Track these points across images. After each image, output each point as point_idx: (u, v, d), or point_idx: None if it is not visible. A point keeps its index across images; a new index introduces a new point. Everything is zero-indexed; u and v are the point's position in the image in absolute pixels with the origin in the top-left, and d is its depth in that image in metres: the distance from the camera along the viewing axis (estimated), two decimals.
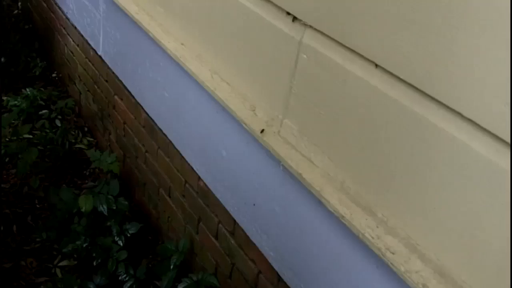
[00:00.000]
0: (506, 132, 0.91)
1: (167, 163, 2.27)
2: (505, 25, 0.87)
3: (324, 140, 1.33)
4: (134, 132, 2.59)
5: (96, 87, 3.00)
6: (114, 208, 2.38)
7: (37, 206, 2.74)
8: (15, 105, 3.08)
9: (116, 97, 2.72)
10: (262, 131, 1.47)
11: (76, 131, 3.22)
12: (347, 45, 1.20)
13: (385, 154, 1.17)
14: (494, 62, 0.91)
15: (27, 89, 3.19)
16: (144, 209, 2.71)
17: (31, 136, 2.95)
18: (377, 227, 1.21)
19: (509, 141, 0.91)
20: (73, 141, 3.09)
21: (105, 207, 2.36)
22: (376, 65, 1.15)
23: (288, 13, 1.36)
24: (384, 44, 1.11)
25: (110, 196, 2.42)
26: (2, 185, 2.73)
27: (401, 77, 1.08)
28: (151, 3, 2.11)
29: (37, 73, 3.63)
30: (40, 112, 3.13)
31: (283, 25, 1.39)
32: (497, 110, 0.92)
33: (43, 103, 3.20)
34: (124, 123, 2.69)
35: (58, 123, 3.08)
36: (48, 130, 2.99)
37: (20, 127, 2.91)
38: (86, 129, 3.30)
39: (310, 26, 1.30)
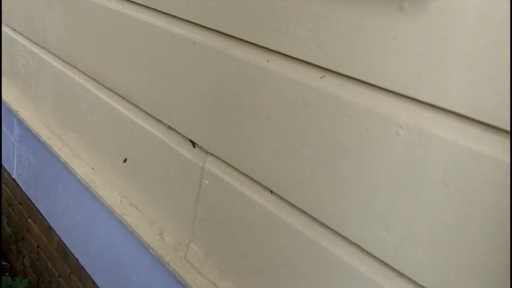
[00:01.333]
0: (390, 256, 0.96)
1: None
2: (382, 156, 0.94)
3: (228, 264, 1.34)
4: (48, 256, 2.52)
5: (10, 209, 2.93)
6: None
7: None
8: None
9: (29, 220, 2.66)
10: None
11: None
12: (244, 172, 1.25)
13: (285, 278, 1.19)
14: (373, 191, 0.97)
15: None
16: None
17: None
18: None
19: (393, 264, 0.96)
20: None
21: None
22: (271, 191, 1.19)
23: (191, 141, 1.41)
24: (277, 173, 1.16)
25: None
26: None
27: (293, 203, 1.13)
28: (63, 128, 2.13)
29: None
30: None
31: (187, 152, 1.43)
32: (377, 235, 0.97)
33: None
34: (38, 246, 2.62)
35: None
36: None
37: None
38: None
39: (211, 153, 1.35)
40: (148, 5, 1.50)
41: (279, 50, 1.12)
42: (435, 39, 0.85)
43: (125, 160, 1.71)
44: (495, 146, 0.81)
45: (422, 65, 0.87)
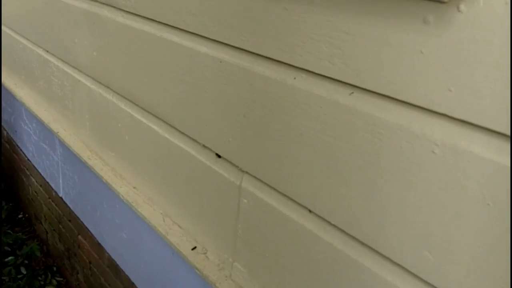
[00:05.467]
0: (433, 277, 0.92)
1: None
2: (419, 175, 0.91)
3: (272, 283, 1.33)
4: (100, 272, 2.55)
5: (61, 226, 2.99)
6: None
7: None
8: None
9: (80, 236, 2.71)
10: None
11: (44, 273, 3.16)
12: (281, 190, 1.23)
13: None
14: (412, 210, 0.93)
15: None
16: None
17: None
18: None
19: (437, 285, 0.92)
20: (42, 283, 3.04)
21: None
22: (310, 211, 1.17)
23: (227, 160, 1.39)
24: (313, 191, 1.14)
25: None
26: None
27: (332, 222, 1.11)
28: (103, 147, 2.15)
29: (3, 215, 3.61)
30: (6, 259, 3.09)
31: (223, 170, 1.42)
32: (420, 255, 0.93)
33: (9, 249, 3.17)
34: (90, 262, 2.66)
35: (23, 270, 3.03)
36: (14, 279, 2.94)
37: None
38: (55, 268, 3.25)
39: (247, 172, 1.33)
40: (172, 25, 1.48)
41: (305, 67, 1.09)
42: (463, 53, 0.81)
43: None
44: None
45: (452, 80, 0.83)
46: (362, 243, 1.05)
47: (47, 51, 2.53)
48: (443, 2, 0.81)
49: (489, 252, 0.83)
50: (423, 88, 0.87)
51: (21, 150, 3.37)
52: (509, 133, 0.78)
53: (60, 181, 2.73)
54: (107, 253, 2.36)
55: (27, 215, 3.65)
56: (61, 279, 3.16)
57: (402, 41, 0.89)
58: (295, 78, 1.13)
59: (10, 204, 3.71)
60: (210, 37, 1.35)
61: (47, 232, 3.29)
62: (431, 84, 0.86)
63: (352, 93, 1.01)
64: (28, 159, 3.25)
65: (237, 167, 1.36)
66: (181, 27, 1.45)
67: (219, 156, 1.43)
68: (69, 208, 2.73)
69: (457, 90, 0.82)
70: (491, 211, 0.82)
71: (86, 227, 2.56)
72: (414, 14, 0.86)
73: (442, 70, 0.84)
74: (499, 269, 0.83)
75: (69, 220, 2.80)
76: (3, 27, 3.14)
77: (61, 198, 2.79)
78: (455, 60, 0.82)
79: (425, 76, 0.86)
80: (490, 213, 0.82)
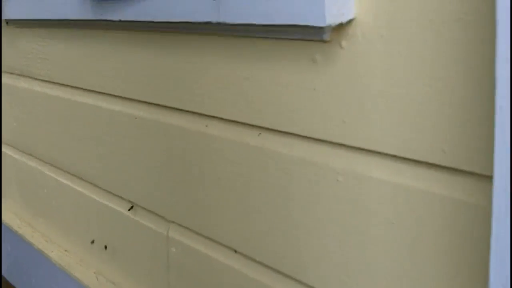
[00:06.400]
0: None
1: None
2: (328, 204, 0.96)
3: None
4: None
5: None
6: None
7: None
8: None
9: None
10: None
11: None
12: (206, 235, 1.26)
13: None
14: (328, 238, 0.98)
15: None
16: None
17: None
18: None
19: None
20: None
21: None
22: (235, 251, 1.20)
23: (152, 212, 1.42)
24: (236, 231, 1.17)
25: None
26: None
27: (257, 259, 1.14)
28: (33, 215, 2.13)
29: None
30: None
31: (151, 222, 1.44)
32: (339, 280, 0.98)
33: None
34: None
35: None
36: None
37: None
38: None
39: (173, 221, 1.36)
40: (86, 88, 1.52)
41: (215, 115, 1.14)
42: (350, 86, 0.87)
43: (92, 241, 1.72)
44: (430, 180, 0.83)
45: (345, 112, 0.89)
46: (287, 275, 1.09)
47: None
48: (326, 41, 0.88)
49: (399, 265, 0.89)
50: (320, 122, 0.93)
51: None
52: (403, 155, 0.84)
53: None
54: None
55: None
56: None
57: (296, 80, 0.95)
58: (207, 125, 1.17)
59: None
60: (123, 96, 1.39)
61: None
62: (327, 117, 0.92)
63: (260, 134, 1.06)
64: None
65: (163, 217, 1.39)
66: (95, 89, 1.49)
67: (145, 210, 1.45)
68: (5, 278, 2.65)
69: (350, 121, 0.89)
70: (396, 228, 0.87)
71: None
72: (303, 55, 0.93)
73: (334, 103, 0.90)
74: (412, 283, 0.88)
75: None
76: None
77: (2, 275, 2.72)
78: (344, 93, 0.89)
79: (321, 110, 0.92)
80: (395, 230, 0.88)
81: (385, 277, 0.92)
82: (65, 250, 1.92)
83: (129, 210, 1.53)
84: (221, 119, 1.14)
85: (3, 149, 2.20)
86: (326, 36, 0.87)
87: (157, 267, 1.46)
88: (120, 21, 1.28)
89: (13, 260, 2.45)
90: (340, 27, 0.87)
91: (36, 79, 1.78)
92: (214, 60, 1.11)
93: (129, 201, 1.49)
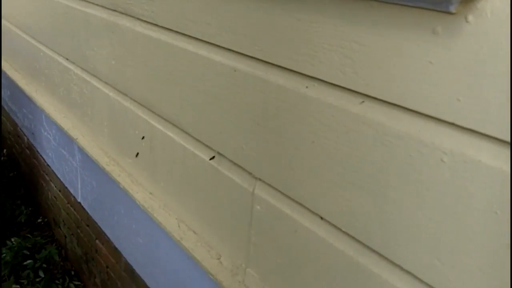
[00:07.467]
0: (442, 284, 0.93)
1: None
2: (428, 183, 0.92)
3: None
4: (117, 276, 2.58)
5: (79, 231, 3.02)
6: None
7: None
8: None
9: (97, 241, 2.74)
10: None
11: (62, 277, 3.20)
12: (293, 197, 1.25)
13: None
14: (421, 218, 0.94)
15: (12, 240, 3.21)
16: None
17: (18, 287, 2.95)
18: None
19: None
20: (59, 287, 3.08)
21: None
22: (322, 218, 1.18)
23: (240, 166, 1.41)
24: (325, 199, 1.15)
25: None
26: None
27: (343, 229, 1.12)
28: (121, 154, 2.18)
29: (23, 220, 3.66)
30: (25, 263, 3.13)
31: (237, 177, 1.44)
32: (429, 263, 0.94)
33: (28, 253, 3.22)
34: (107, 267, 2.69)
35: (41, 273, 3.07)
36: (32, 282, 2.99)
37: (4, 284, 2.92)
38: (73, 272, 3.29)
39: (260, 179, 1.35)
40: (189, 34, 1.51)
41: (317, 76, 1.11)
42: (471, 63, 0.82)
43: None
44: None
45: (461, 90, 0.84)
46: (373, 250, 1.06)
47: (67, 59, 2.57)
48: (451, 13, 0.82)
49: (496, 260, 0.84)
50: (432, 97, 0.88)
51: (41, 155, 3.43)
52: None
53: (79, 187, 2.77)
54: (124, 258, 2.39)
55: (46, 220, 3.69)
56: (79, 283, 3.19)
57: (412, 51, 0.90)
58: (307, 87, 1.14)
59: (30, 209, 3.77)
60: (225, 46, 1.37)
61: (65, 237, 3.33)
62: (440, 93, 0.87)
63: (363, 102, 1.02)
64: (48, 165, 3.30)
65: (250, 173, 1.38)
66: (197, 37, 1.48)
67: (233, 163, 1.44)
68: (87, 213, 2.76)
69: (465, 100, 0.83)
70: (499, 219, 0.82)
71: (104, 232, 2.59)
72: (423, 25, 0.87)
73: (450, 80, 0.85)
74: (506, 276, 0.83)
75: (87, 225, 2.84)
76: (24, 35, 3.20)
77: (80, 203, 2.83)
78: (463, 70, 0.83)
79: (434, 86, 0.87)
80: (498, 221, 0.83)
81: (477, 268, 0.87)
82: (150, 193, 1.96)
83: (210, 159, 1.53)
84: (323, 81, 1.10)
85: (96, 84, 2.25)
86: (452, 8, 0.81)
87: (239, 222, 1.46)
88: None
89: (97, 196, 2.55)
90: (469, 0, 0.80)
91: (139, 19, 1.79)
92: (324, 20, 1.06)
93: (219, 153, 1.49)
